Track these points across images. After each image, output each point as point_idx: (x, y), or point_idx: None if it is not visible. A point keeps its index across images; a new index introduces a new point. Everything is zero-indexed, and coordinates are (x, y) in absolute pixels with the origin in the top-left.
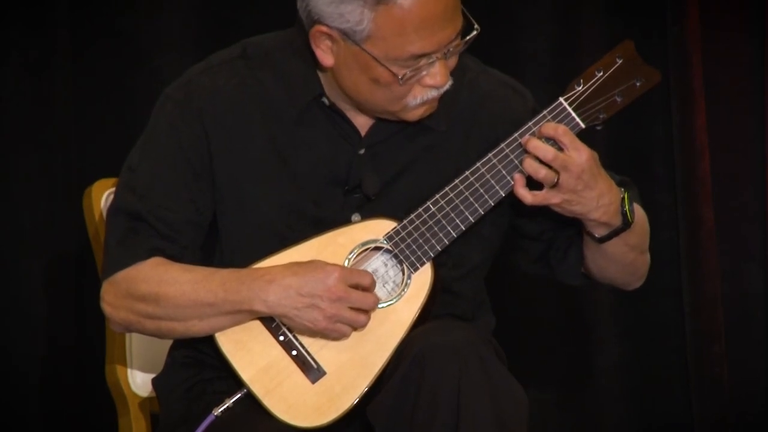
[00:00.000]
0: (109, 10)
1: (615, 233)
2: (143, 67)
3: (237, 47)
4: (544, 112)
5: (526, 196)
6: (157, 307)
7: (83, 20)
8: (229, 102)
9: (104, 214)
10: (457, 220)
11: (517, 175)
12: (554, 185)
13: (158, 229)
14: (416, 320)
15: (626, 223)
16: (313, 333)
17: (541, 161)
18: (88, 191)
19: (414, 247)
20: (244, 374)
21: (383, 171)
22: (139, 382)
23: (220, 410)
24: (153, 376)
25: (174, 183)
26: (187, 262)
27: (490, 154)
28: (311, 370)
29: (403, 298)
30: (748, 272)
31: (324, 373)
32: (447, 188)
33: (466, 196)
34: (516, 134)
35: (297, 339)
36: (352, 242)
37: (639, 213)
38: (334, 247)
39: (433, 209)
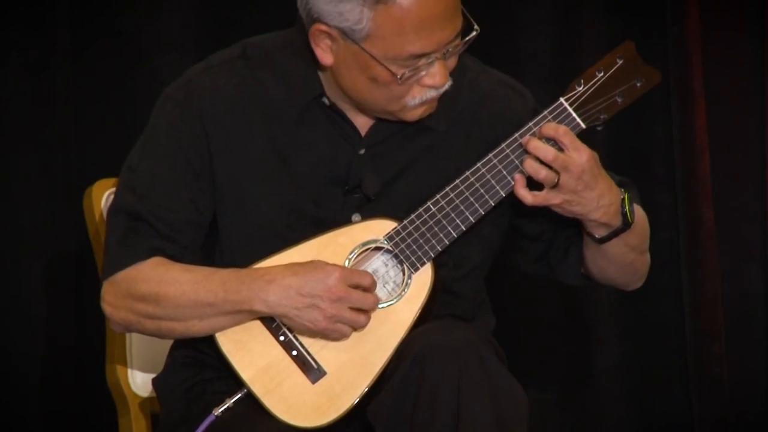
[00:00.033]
0: (109, 10)
1: (615, 234)
2: (143, 67)
3: (237, 47)
4: (545, 112)
5: (527, 196)
6: (157, 307)
7: (83, 20)
8: (229, 102)
9: (104, 214)
10: (458, 220)
11: (518, 176)
12: (554, 186)
13: (158, 229)
14: (416, 320)
15: (626, 224)
16: (314, 333)
17: (541, 162)
18: (88, 191)
19: (414, 247)
20: (244, 374)
21: (383, 171)
22: (139, 382)
23: (220, 410)
24: (153, 376)
25: (174, 183)
26: (187, 262)
27: (490, 155)
28: (311, 370)
29: (403, 298)
30: (748, 272)
31: (324, 373)
32: (447, 188)
33: (467, 196)
34: (516, 134)
35: (297, 339)
36: (352, 242)
37: (639, 213)
38: (335, 247)
39: (434, 209)
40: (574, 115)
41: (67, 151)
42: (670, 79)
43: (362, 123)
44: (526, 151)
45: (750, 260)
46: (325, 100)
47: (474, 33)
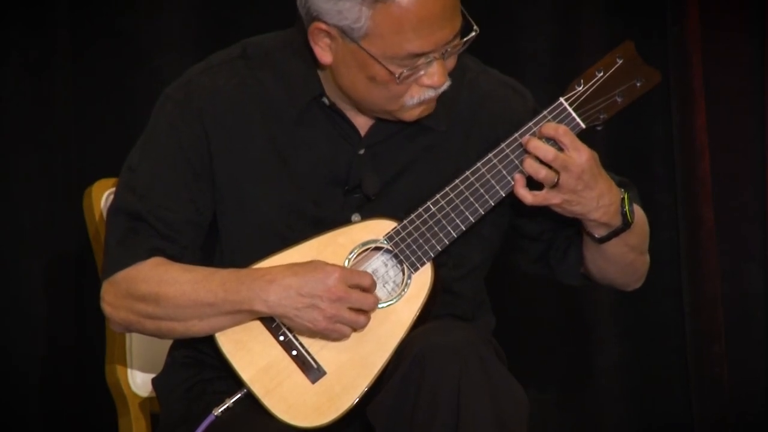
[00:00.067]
0: (109, 10)
1: (615, 234)
2: (143, 67)
3: (237, 47)
4: (545, 112)
5: (527, 196)
6: (157, 307)
7: (83, 20)
8: (229, 102)
9: (104, 214)
10: (458, 220)
11: (518, 175)
12: (554, 185)
13: (158, 229)
14: (416, 320)
15: (626, 224)
16: (313, 333)
17: (541, 161)
18: (88, 191)
19: (414, 247)
20: (244, 374)
21: (383, 171)
22: (139, 382)
23: (220, 410)
24: (153, 376)
25: (174, 183)
26: (187, 262)
27: (490, 154)
28: (311, 370)
29: (403, 298)
30: (748, 272)
31: (324, 373)
32: (447, 188)
33: (467, 196)
34: (516, 134)
35: (297, 339)
36: (352, 242)
37: (639, 214)
38: (334, 247)
39: (434, 209)
40: (574, 115)
41: (67, 151)
42: (670, 79)
43: (362, 123)
44: (526, 151)
45: (750, 260)
46: (325, 100)
47: (473, 33)
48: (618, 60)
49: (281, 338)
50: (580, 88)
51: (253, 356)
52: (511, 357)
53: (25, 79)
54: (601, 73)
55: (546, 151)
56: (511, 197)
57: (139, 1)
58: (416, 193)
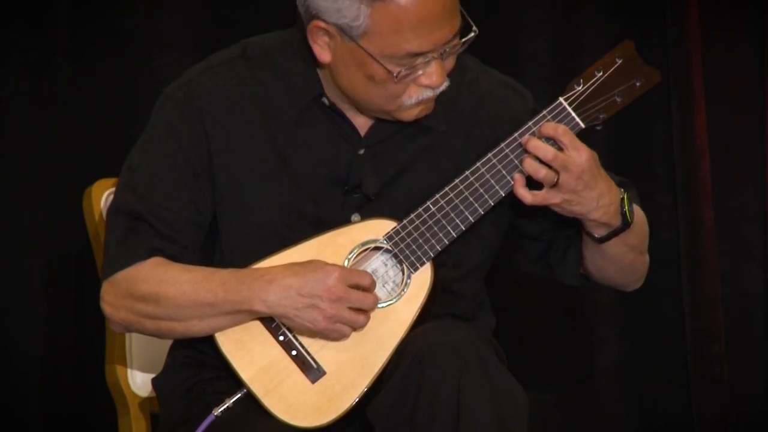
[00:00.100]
0: (109, 10)
1: (614, 233)
2: (143, 67)
3: (237, 47)
4: (544, 112)
5: (526, 195)
6: (157, 307)
7: (83, 20)
8: (229, 102)
9: (104, 214)
10: (457, 220)
11: (517, 175)
12: (554, 185)
13: (158, 229)
14: (416, 320)
15: (626, 224)
16: (313, 333)
17: (541, 161)
18: (88, 191)
19: (414, 247)
20: (244, 374)
21: (383, 171)
22: (139, 382)
23: (220, 410)
24: (153, 376)
25: (174, 183)
26: (187, 262)
27: (490, 154)
28: (311, 370)
29: (402, 298)
30: (748, 272)
31: (324, 373)
32: (447, 188)
33: (466, 196)
34: (516, 134)
35: (297, 339)
36: (351, 242)
37: (638, 214)
38: (334, 247)
39: (433, 209)
40: (574, 114)
41: (67, 151)
42: (670, 79)
43: (362, 123)
44: (525, 151)
45: (750, 260)
46: (325, 100)
47: (472, 34)
48: (617, 60)
49: (281, 338)
50: (580, 87)
51: (252, 356)
52: (511, 357)
53: (25, 79)
54: (601, 73)
55: (546, 150)
56: (511, 197)
57: (139, 1)
58: (416, 193)
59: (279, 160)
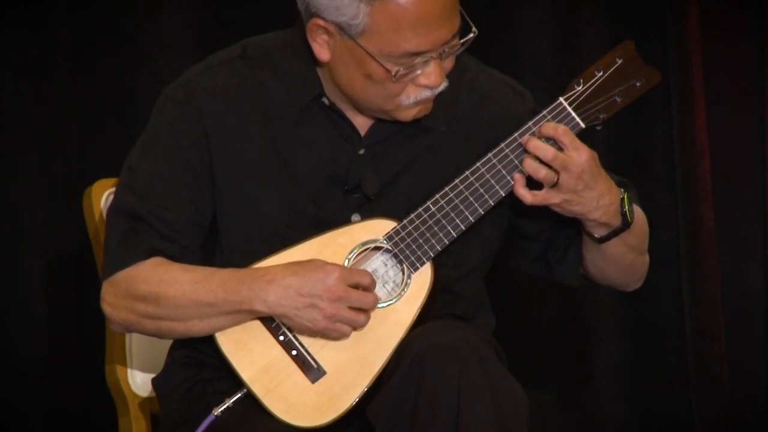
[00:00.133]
0: (109, 10)
1: (614, 233)
2: (143, 67)
3: (237, 47)
4: (544, 112)
5: (526, 195)
6: (157, 307)
7: (83, 20)
8: (229, 102)
9: (104, 214)
10: (457, 220)
11: (517, 175)
12: (554, 185)
13: (158, 229)
14: (416, 320)
15: (626, 224)
16: (313, 333)
17: (541, 161)
18: (88, 191)
19: (414, 246)
20: (244, 374)
21: (383, 171)
22: (139, 382)
23: (220, 410)
24: (153, 376)
25: (174, 183)
26: (187, 262)
27: (490, 154)
28: (311, 369)
29: (403, 298)
30: (748, 272)
31: (324, 373)
32: (447, 188)
33: (466, 195)
34: (516, 134)
35: (297, 339)
36: (351, 242)
37: (638, 214)
38: (334, 247)
39: (433, 209)
40: (574, 114)
41: (67, 151)
42: (670, 79)
43: (362, 123)
44: (525, 151)
45: (750, 260)
46: (325, 100)
47: (471, 35)
48: (618, 60)
49: (281, 338)
50: (580, 87)
51: (253, 356)
52: (511, 357)
53: (25, 79)
54: (601, 73)
55: (546, 150)
56: (511, 197)
57: (139, 1)
58: (416, 193)
59: (279, 160)
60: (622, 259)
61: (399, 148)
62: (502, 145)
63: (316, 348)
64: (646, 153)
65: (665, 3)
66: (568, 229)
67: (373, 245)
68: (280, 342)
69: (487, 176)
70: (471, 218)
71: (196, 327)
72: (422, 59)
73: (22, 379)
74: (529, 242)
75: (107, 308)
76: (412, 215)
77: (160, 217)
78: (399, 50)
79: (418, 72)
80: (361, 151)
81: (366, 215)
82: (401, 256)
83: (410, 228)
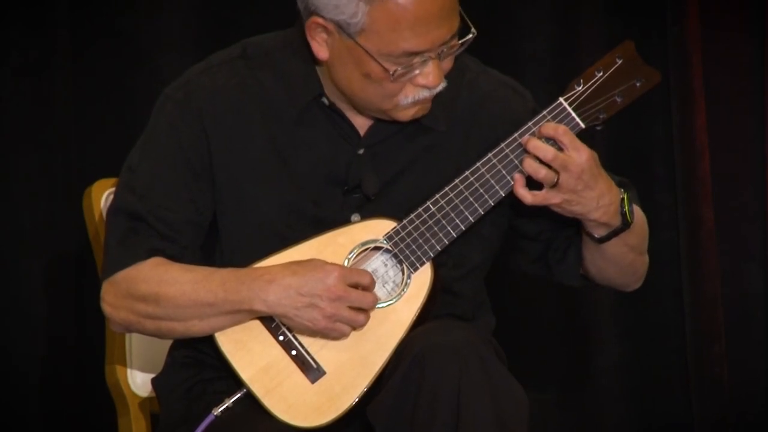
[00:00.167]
0: (109, 10)
1: (614, 233)
2: (143, 67)
3: (237, 47)
4: (544, 112)
5: (526, 196)
6: (157, 307)
7: (83, 20)
8: (229, 102)
9: (104, 214)
10: (457, 220)
11: (517, 175)
12: (554, 185)
13: (158, 229)
14: (416, 320)
15: (626, 224)
16: (313, 332)
17: (541, 161)
18: (88, 191)
19: (414, 247)
20: (244, 374)
21: (383, 171)
22: (139, 382)
23: (220, 410)
24: (153, 376)
25: (174, 183)
26: (187, 262)
27: (490, 154)
28: (311, 369)
29: (402, 298)
30: (748, 272)
31: (324, 373)
32: (447, 188)
33: (466, 196)
34: (516, 134)
35: (297, 339)
36: (351, 242)
37: (638, 214)
38: (334, 247)
39: (433, 209)
40: (574, 114)
41: (67, 151)
42: (670, 79)
43: (362, 123)
44: (525, 151)
45: (750, 260)
46: (325, 100)
47: (471, 35)
48: (618, 60)
49: (281, 338)
50: (580, 88)
51: (252, 356)
52: (511, 357)
53: (25, 79)
54: (601, 73)
55: (546, 150)
56: (511, 197)
57: (139, 1)
58: (416, 193)
59: (279, 160)
60: (622, 259)
61: (399, 148)
62: (502, 145)
63: (316, 348)
64: (646, 153)
65: (665, 3)
66: (568, 229)
67: (373, 245)
68: (279, 342)
69: (487, 176)
70: (471, 218)
71: (196, 327)
72: (421, 59)
73: (22, 379)
74: (529, 242)
75: (107, 308)
76: (412, 215)
77: (160, 217)
78: (397, 49)
79: (417, 72)
80: (361, 151)
81: (366, 215)
82: (401, 256)
83: (410, 228)
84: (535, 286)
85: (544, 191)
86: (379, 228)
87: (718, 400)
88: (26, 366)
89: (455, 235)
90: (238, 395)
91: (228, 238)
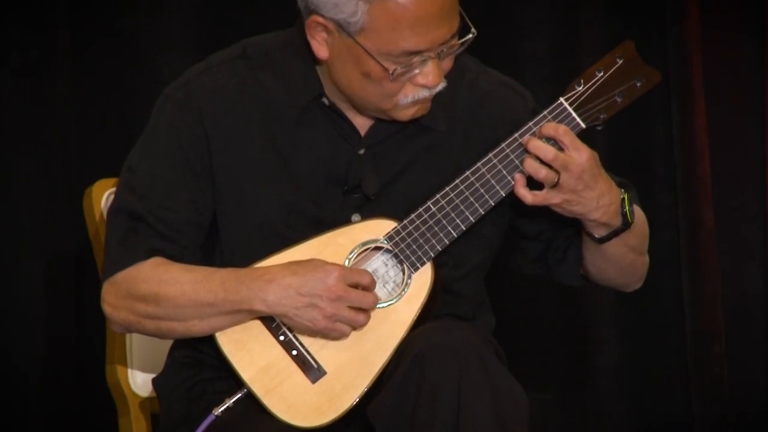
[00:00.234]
0: (109, 10)
1: (615, 234)
2: (143, 67)
3: (237, 47)
4: (545, 112)
5: (527, 196)
6: (158, 308)
7: (83, 20)
8: (229, 102)
9: (104, 214)
10: (458, 220)
11: (518, 175)
12: (555, 185)
13: (158, 229)
14: (416, 320)
15: (626, 224)
16: (313, 332)
17: (541, 161)
18: (88, 191)
19: (414, 246)
20: (244, 374)
21: (383, 171)
22: (140, 382)
23: (220, 410)
24: (153, 376)
25: (174, 183)
26: (187, 262)
27: (490, 154)
28: (311, 369)
29: (403, 298)
30: (748, 272)
31: (324, 373)
32: (447, 188)
33: (467, 195)
34: (516, 134)
35: (297, 339)
36: (352, 242)
37: (639, 214)
38: (334, 247)
39: (434, 209)
40: (574, 114)
41: (67, 151)
42: (670, 79)
43: (362, 123)
44: (526, 151)
45: (750, 260)
46: (325, 100)
47: (470, 35)
48: (618, 60)
49: (281, 338)
50: (580, 88)
51: (253, 356)
52: (511, 357)
53: (25, 79)
54: (601, 73)
55: (546, 150)
56: (512, 197)
57: (139, 1)
58: (416, 193)
59: (279, 160)
60: (622, 260)
61: (399, 148)
62: (503, 145)
63: (316, 348)
64: (646, 153)
65: (665, 3)
66: (568, 229)
67: (373, 245)
68: (280, 342)
69: (488, 176)
70: (471, 218)
71: (196, 327)
72: (420, 59)
73: (22, 379)
74: (529, 242)
75: (107, 308)
76: (413, 215)
77: (160, 217)
78: (397, 49)
79: (416, 71)
80: (361, 151)
81: (366, 215)
82: (401, 256)
83: (410, 228)
84: (535, 286)
85: (544, 191)
86: (380, 228)
87: (718, 400)
88: (26, 366)
89: (456, 235)
90: (239, 395)
91: (228, 238)
